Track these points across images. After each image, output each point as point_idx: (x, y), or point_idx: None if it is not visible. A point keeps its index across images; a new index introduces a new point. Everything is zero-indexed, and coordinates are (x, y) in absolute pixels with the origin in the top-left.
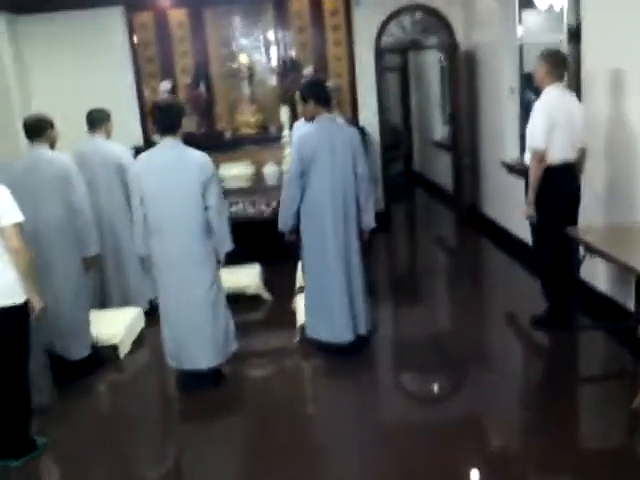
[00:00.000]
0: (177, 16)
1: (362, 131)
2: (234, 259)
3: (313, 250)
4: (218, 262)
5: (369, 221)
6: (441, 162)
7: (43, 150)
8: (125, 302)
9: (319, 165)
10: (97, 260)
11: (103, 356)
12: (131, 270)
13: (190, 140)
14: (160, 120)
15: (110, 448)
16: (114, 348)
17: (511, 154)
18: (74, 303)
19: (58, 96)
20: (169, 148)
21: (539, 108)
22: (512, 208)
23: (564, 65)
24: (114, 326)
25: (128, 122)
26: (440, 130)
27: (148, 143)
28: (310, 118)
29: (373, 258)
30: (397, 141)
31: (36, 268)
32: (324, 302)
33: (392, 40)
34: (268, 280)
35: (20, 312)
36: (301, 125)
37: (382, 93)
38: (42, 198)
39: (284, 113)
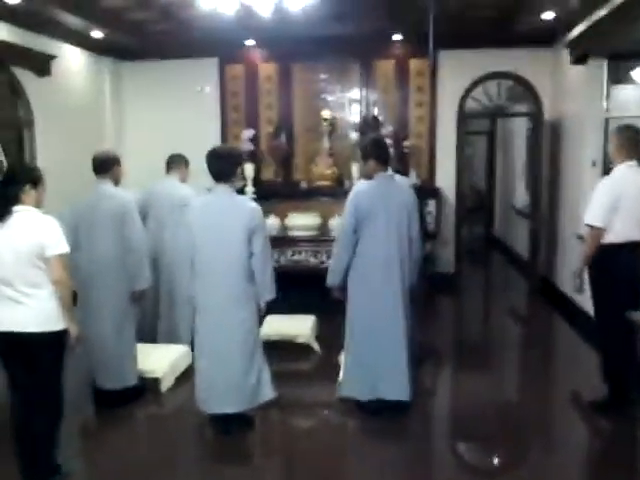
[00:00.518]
0: (266, 70)
1: (434, 192)
2: (290, 307)
3: (362, 308)
4: (259, 310)
5: (412, 280)
6: (519, 229)
7: (106, 186)
8: (174, 340)
9: (374, 222)
10: (144, 294)
11: (144, 388)
12: (182, 310)
13: (268, 188)
14: (214, 168)
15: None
16: (156, 381)
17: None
18: (119, 336)
19: (148, 136)
20: (221, 195)
21: (602, 184)
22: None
23: (637, 141)
24: (159, 360)
25: None
26: (521, 197)
27: None
28: (368, 176)
29: (437, 320)
30: (480, 204)
31: (85, 301)
32: (370, 361)
33: (477, 105)
34: (322, 331)
35: (58, 338)
36: (360, 183)
37: (465, 156)
38: (100, 232)
39: (355, 169)
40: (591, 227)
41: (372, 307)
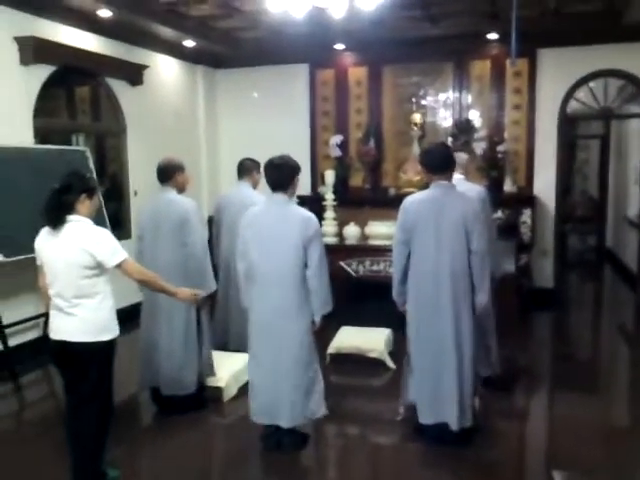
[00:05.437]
0: (357, 73)
1: (530, 200)
2: (367, 319)
3: (417, 326)
4: (313, 323)
5: (481, 299)
6: (630, 241)
7: (167, 194)
8: (245, 347)
9: (421, 235)
10: (208, 301)
11: (206, 397)
12: None
13: (355, 194)
14: (270, 177)
15: None
16: (219, 390)
17: None
18: (183, 345)
19: (241, 143)
20: (276, 204)
21: None
22: None
23: None
24: (222, 369)
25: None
26: (634, 205)
27: (315, 193)
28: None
29: (530, 338)
30: (594, 213)
31: (151, 309)
32: (429, 383)
33: (583, 107)
34: (399, 346)
35: (105, 348)
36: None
37: (578, 162)
38: (162, 240)
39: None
40: None
41: (428, 324)
